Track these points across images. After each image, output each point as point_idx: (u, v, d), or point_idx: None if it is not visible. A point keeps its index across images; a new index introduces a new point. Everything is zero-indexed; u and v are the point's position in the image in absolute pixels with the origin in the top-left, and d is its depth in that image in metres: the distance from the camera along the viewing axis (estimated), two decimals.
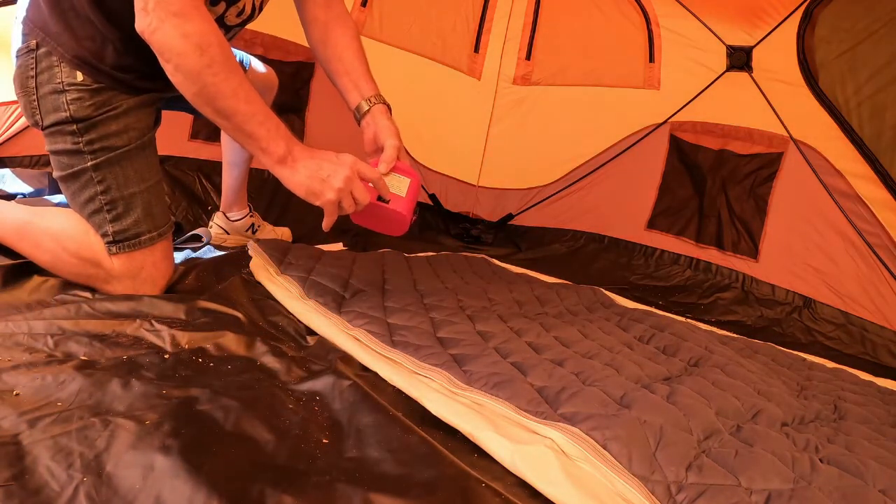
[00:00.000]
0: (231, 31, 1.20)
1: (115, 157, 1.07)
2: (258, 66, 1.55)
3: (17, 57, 1.08)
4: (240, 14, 1.17)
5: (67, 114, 1.05)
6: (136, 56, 1.07)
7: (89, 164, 1.06)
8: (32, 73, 1.05)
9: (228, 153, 1.65)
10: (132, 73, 1.09)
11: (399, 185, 1.07)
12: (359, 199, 1.01)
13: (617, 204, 2.49)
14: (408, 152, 2.63)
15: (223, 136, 1.65)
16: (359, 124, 1.21)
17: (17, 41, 1.08)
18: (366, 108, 1.19)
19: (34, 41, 1.05)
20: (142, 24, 0.94)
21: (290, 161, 0.99)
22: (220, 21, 1.14)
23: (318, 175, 0.99)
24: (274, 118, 0.99)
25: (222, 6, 1.12)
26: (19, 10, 1.09)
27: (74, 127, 1.05)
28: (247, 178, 1.71)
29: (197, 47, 0.93)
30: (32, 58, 1.05)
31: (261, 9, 1.22)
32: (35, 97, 1.06)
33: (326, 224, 1.03)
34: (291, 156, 0.99)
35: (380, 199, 1.05)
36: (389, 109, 1.20)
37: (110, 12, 1.04)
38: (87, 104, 1.05)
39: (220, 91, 0.95)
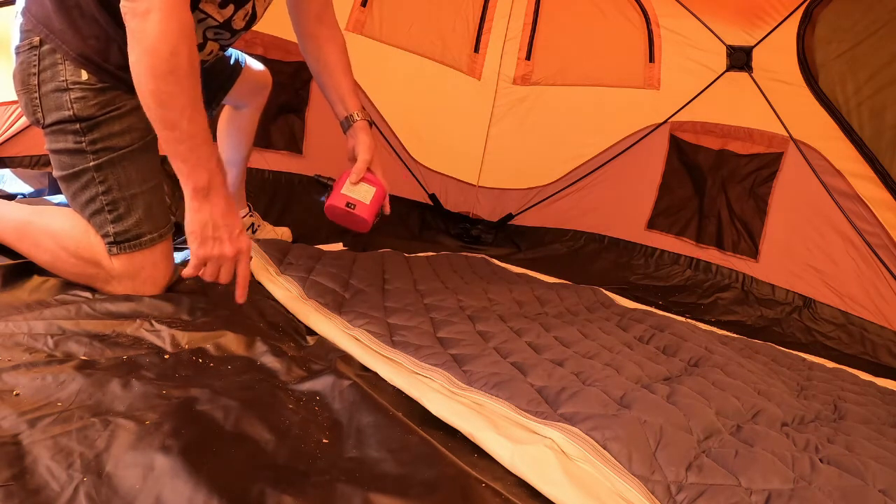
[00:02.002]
0: (236, 34, 1.20)
1: (117, 157, 1.07)
2: (254, 64, 1.56)
3: (17, 53, 1.06)
4: (246, 16, 1.17)
5: (71, 112, 1.04)
6: None
7: (91, 164, 1.06)
8: (35, 69, 1.04)
9: (225, 152, 1.65)
10: None
11: (365, 194, 1.21)
12: (221, 278, 1.02)
13: (617, 204, 2.49)
14: (408, 152, 2.65)
15: (219, 135, 1.65)
16: (345, 133, 1.32)
17: (17, 36, 1.07)
18: (350, 123, 1.30)
19: (37, 38, 1.03)
20: (126, 6, 0.93)
21: (202, 197, 0.99)
22: (227, 25, 1.14)
23: (209, 230, 0.99)
24: (209, 147, 0.98)
25: (231, 9, 1.12)
26: (18, 3, 1.08)
27: (77, 126, 1.05)
28: (245, 178, 1.71)
29: (170, 48, 0.93)
30: (35, 54, 1.04)
31: (263, 12, 1.23)
32: (37, 94, 1.05)
33: (186, 273, 1.02)
34: (205, 193, 0.98)
35: (349, 204, 1.19)
36: (370, 124, 1.31)
37: (116, 12, 1.04)
38: (91, 103, 1.04)
39: (171, 101, 0.94)
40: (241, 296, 1.04)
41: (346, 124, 1.30)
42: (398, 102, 2.51)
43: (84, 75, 1.04)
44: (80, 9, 1.03)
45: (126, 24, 0.94)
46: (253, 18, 1.21)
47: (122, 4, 0.93)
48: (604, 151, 2.52)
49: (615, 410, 0.88)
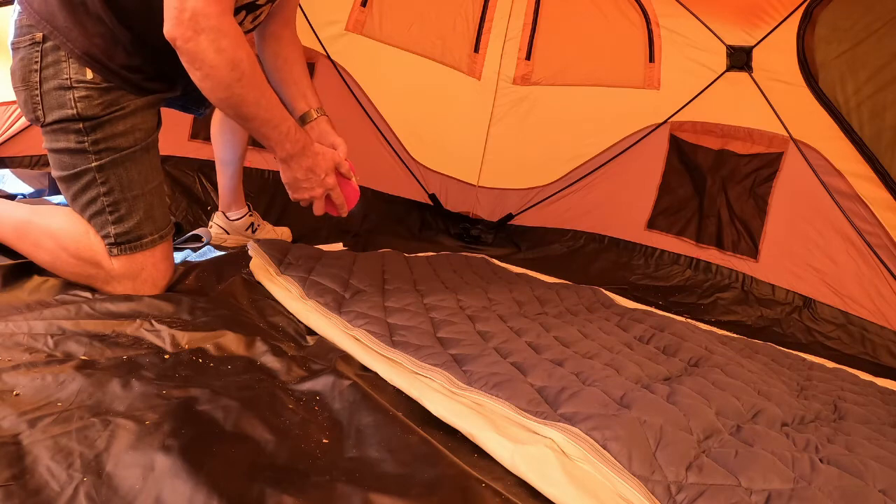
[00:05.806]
0: None
1: (120, 158, 1.07)
2: None
3: (16, 49, 1.04)
4: (255, 20, 1.18)
5: (74, 111, 1.03)
6: (144, 57, 1.07)
7: (93, 164, 1.05)
8: (36, 66, 1.02)
9: (220, 152, 1.64)
10: (140, 74, 1.08)
11: (348, 175, 1.33)
12: (315, 210, 1.24)
13: (617, 204, 2.49)
14: (408, 152, 2.65)
15: (213, 135, 1.65)
16: (302, 126, 1.33)
17: (15, 31, 1.04)
18: (313, 116, 1.33)
19: (40, 34, 1.02)
20: (174, 33, 0.94)
21: (287, 163, 1.15)
22: None
23: (297, 183, 1.19)
24: (285, 123, 1.10)
25: (241, 15, 1.12)
26: None
27: (80, 125, 1.03)
28: (242, 177, 1.71)
29: (229, 62, 0.96)
30: (37, 51, 1.02)
31: (268, 13, 1.23)
32: (38, 92, 1.03)
33: (293, 198, 1.24)
34: (289, 160, 1.15)
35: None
36: (330, 120, 1.36)
37: (122, 12, 1.03)
38: (95, 103, 1.03)
39: (244, 100, 1.02)
40: (344, 212, 1.28)
41: (308, 118, 1.31)
42: (398, 102, 2.51)
43: (89, 74, 1.03)
44: (86, 7, 1.02)
45: (179, 55, 0.97)
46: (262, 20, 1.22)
47: (166, 36, 0.95)
48: (604, 151, 2.52)
49: (615, 410, 0.88)
